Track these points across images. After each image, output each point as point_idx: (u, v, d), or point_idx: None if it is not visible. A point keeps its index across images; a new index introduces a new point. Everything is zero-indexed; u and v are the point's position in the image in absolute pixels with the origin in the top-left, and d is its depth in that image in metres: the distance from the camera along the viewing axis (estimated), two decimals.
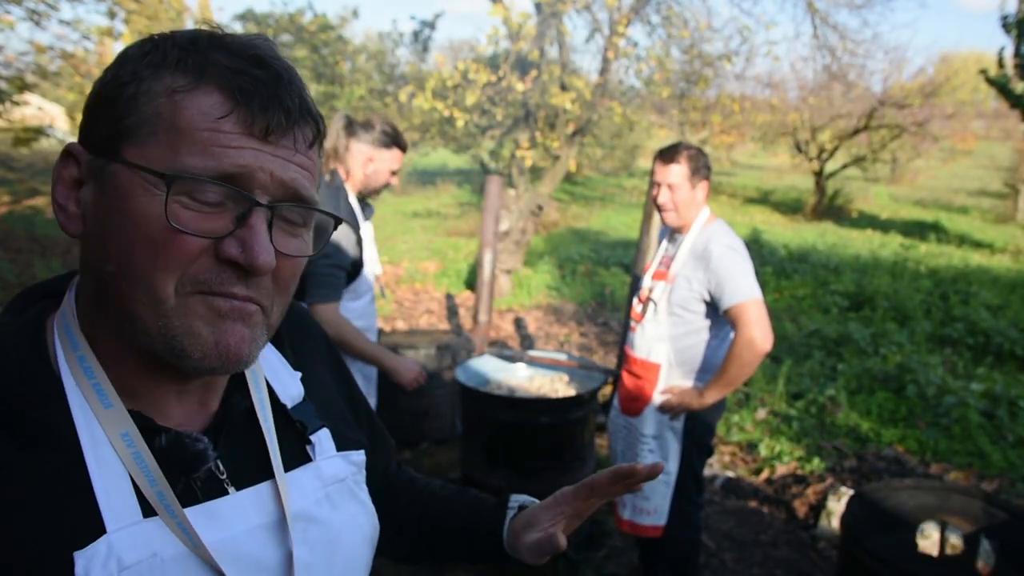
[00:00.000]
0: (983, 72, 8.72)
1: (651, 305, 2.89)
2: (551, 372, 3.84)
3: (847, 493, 3.89)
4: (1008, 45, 8.43)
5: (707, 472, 4.59)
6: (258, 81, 0.68)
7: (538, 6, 8.49)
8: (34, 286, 0.80)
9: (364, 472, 0.93)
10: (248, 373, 0.83)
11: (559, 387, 3.68)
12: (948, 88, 18.73)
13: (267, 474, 0.79)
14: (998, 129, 25.94)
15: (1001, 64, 8.44)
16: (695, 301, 2.78)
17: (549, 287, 9.10)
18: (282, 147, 0.70)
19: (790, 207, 19.61)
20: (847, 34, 10.29)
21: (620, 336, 5.99)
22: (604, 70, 8.86)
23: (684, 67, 9.92)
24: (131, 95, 0.67)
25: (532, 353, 3.96)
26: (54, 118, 12.44)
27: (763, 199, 21.32)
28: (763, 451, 4.76)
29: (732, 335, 2.72)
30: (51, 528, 0.64)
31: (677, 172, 2.77)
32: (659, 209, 2.87)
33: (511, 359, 3.89)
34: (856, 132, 17.99)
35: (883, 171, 25.48)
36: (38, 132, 7.96)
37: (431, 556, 1.14)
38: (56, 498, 0.65)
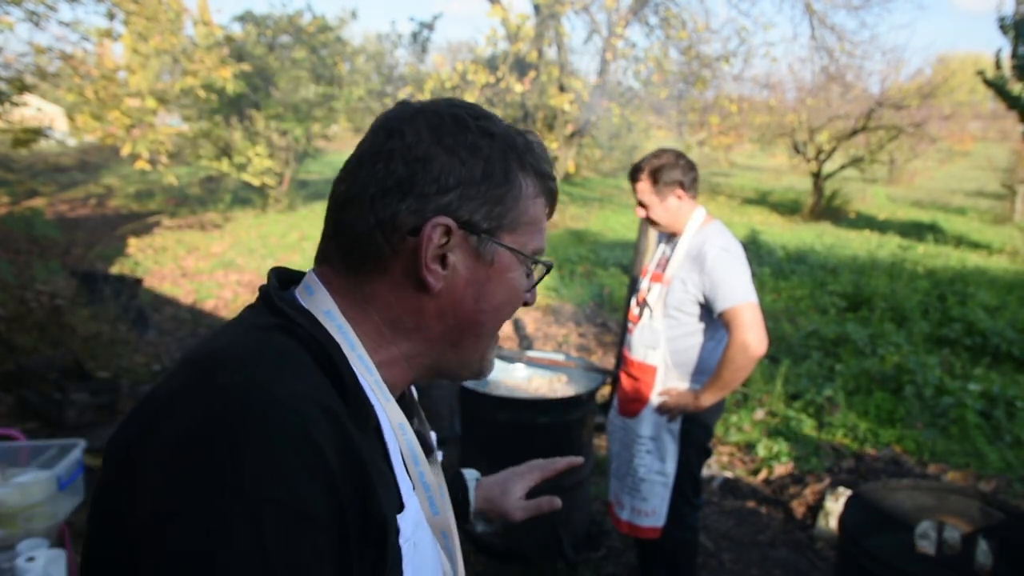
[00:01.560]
0: (980, 73, 8.73)
1: (647, 307, 2.90)
2: (549, 373, 3.84)
3: (845, 493, 3.90)
4: (1005, 46, 8.44)
5: (705, 473, 4.60)
6: (555, 185, 0.96)
7: (536, 7, 8.50)
8: (265, 295, 0.90)
9: None
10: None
11: (557, 388, 3.68)
12: (946, 89, 18.77)
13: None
14: (995, 130, 25.99)
15: (998, 65, 8.45)
16: (690, 303, 2.78)
17: (547, 288, 9.11)
18: None
19: (788, 208, 19.63)
20: (845, 35, 10.33)
21: (618, 337, 5.99)
22: (602, 71, 8.87)
23: (682, 68, 9.94)
24: (515, 196, 0.90)
25: (530, 354, 3.97)
26: (53, 119, 12.44)
27: (761, 200, 21.34)
28: (761, 451, 4.77)
29: (727, 337, 2.73)
30: (388, 498, 0.80)
31: (642, 189, 2.81)
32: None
33: (510, 360, 3.90)
34: (854, 133, 18.01)
35: (881, 172, 25.54)
36: (37, 133, 7.97)
37: None
38: (384, 473, 0.82)
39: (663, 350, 2.85)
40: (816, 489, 4.22)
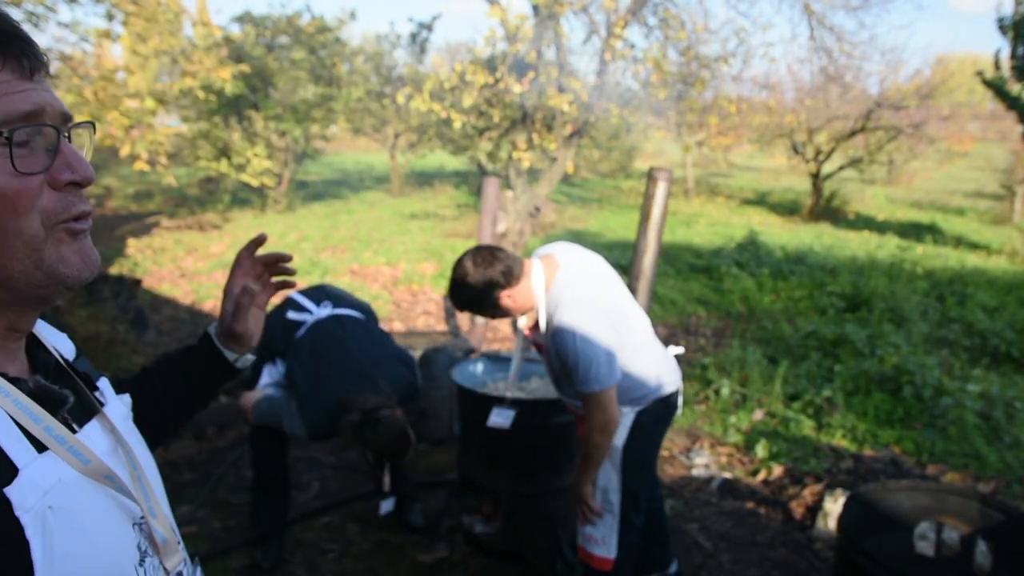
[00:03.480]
0: (979, 74, 8.74)
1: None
2: (546, 373, 3.84)
3: (844, 494, 3.90)
4: (1004, 47, 8.45)
5: (703, 473, 4.60)
6: (10, 32, 0.79)
7: (535, 8, 8.49)
8: None
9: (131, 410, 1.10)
10: (40, 334, 0.96)
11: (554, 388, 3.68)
12: (944, 90, 18.76)
13: (89, 415, 0.93)
14: (994, 131, 26.03)
15: (997, 66, 8.46)
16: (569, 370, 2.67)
17: None
18: (42, 81, 0.82)
19: (787, 208, 19.63)
20: (844, 36, 10.30)
21: None
22: (601, 72, 8.87)
23: (681, 69, 9.93)
24: None
25: (530, 354, 3.96)
26: None
27: (760, 200, 21.34)
28: (760, 452, 4.76)
29: (633, 354, 2.70)
30: None
31: (472, 313, 2.77)
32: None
33: (508, 360, 3.89)
34: (853, 134, 18.01)
35: (880, 173, 25.51)
36: None
37: (184, 407, 1.35)
38: None
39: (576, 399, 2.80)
40: (815, 490, 4.21)
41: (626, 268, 9.79)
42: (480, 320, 5.95)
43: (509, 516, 3.53)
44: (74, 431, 0.87)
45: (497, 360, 3.94)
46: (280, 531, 3.59)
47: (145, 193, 15.68)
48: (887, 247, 12.98)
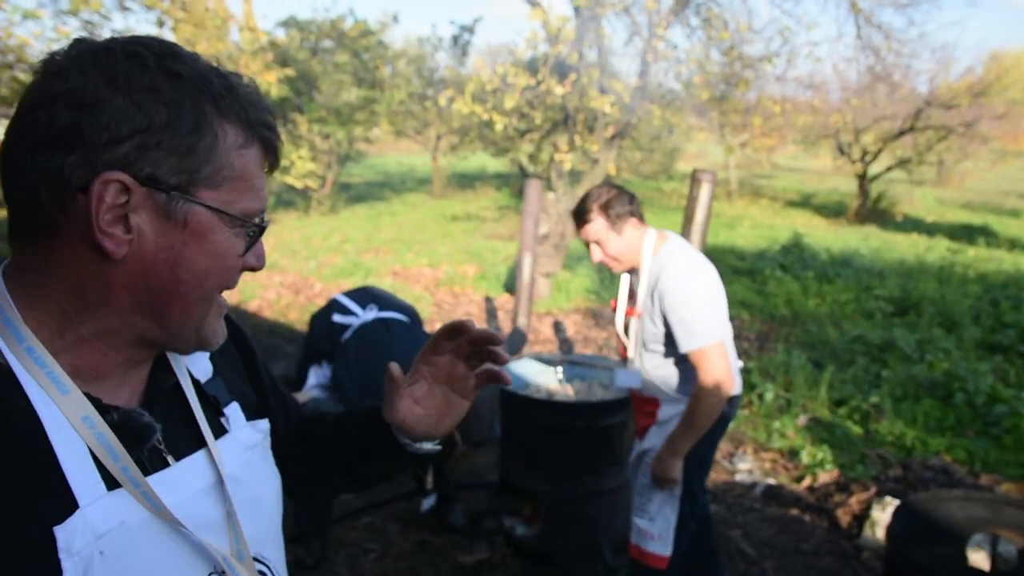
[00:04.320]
0: None
1: (631, 341, 2.84)
2: (590, 376, 3.82)
3: (893, 503, 3.82)
4: None
5: (747, 479, 4.53)
6: (273, 134, 0.85)
7: (577, 9, 8.48)
8: None
9: (269, 439, 1.03)
10: (169, 353, 0.92)
11: (598, 391, 3.66)
12: (999, 87, 18.28)
13: (197, 444, 0.90)
14: None
15: None
16: (663, 335, 2.69)
17: (588, 290, 9.07)
18: None
19: (832, 210, 19.31)
20: (892, 34, 10.11)
21: None
22: (643, 73, 8.82)
23: (724, 69, 9.83)
24: (208, 145, 0.78)
25: (571, 356, 3.95)
26: None
27: (804, 202, 21.02)
28: (805, 458, 4.68)
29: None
30: (29, 509, 0.71)
31: (595, 228, 2.69)
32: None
33: (550, 362, 3.89)
34: (901, 134, 17.65)
35: (929, 173, 24.94)
36: None
37: (349, 474, 1.22)
38: (30, 481, 0.72)
39: (651, 381, 2.81)
40: (862, 498, 4.13)
41: None
42: (522, 322, 5.95)
43: (550, 519, 3.52)
44: (166, 463, 0.84)
45: (540, 362, 3.94)
46: (323, 530, 3.63)
47: None
48: (937, 250, 12.69)
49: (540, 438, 3.41)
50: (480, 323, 6.01)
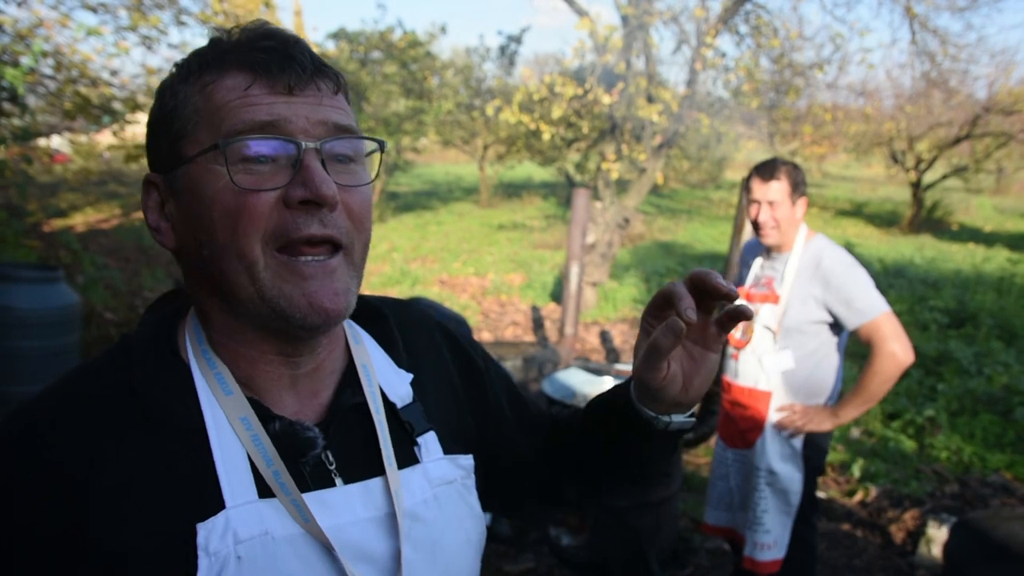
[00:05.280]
0: None
1: (759, 330, 2.78)
2: None
3: (949, 520, 3.72)
4: None
5: None
6: (270, 50, 0.77)
7: (624, 18, 8.47)
8: (174, 289, 0.91)
9: (473, 476, 0.94)
10: (360, 370, 0.88)
11: None
12: None
13: (376, 470, 0.83)
14: None
15: None
16: (812, 322, 2.68)
17: (635, 300, 9.03)
18: (308, 96, 0.77)
19: (885, 220, 18.91)
20: (948, 38, 9.89)
21: None
22: (691, 81, 8.77)
23: (774, 77, 9.72)
24: (172, 107, 0.78)
25: (619, 366, 3.95)
26: None
27: (856, 211, 20.62)
28: (856, 472, 4.59)
29: (843, 353, 2.66)
30: (176, 502, 0.73)
31: (777, 189, 2.69)
32: (757, 227, 2.77)
33: (598, 372, 3.88)
34: (957, 141, 17.21)
35: (987, 181, 24.31)
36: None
37: (596, 468, 1.06)
38: (182, 476, 0.74)
39: (778, 374, 2.74)
40: (916, 514, 4.03)
41: None
42: (569, 331, 5.95)
43: (596, 529, 3.51)
44: (332, 483, 0.80)
45: (587, 371, 3.94)
46: None
47: None
48: (995, 260, 12.34)
49: None
50: (527, 332, 6.01)
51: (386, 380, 0.91)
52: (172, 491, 0.73)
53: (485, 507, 0.96)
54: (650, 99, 8.32)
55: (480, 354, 1.08)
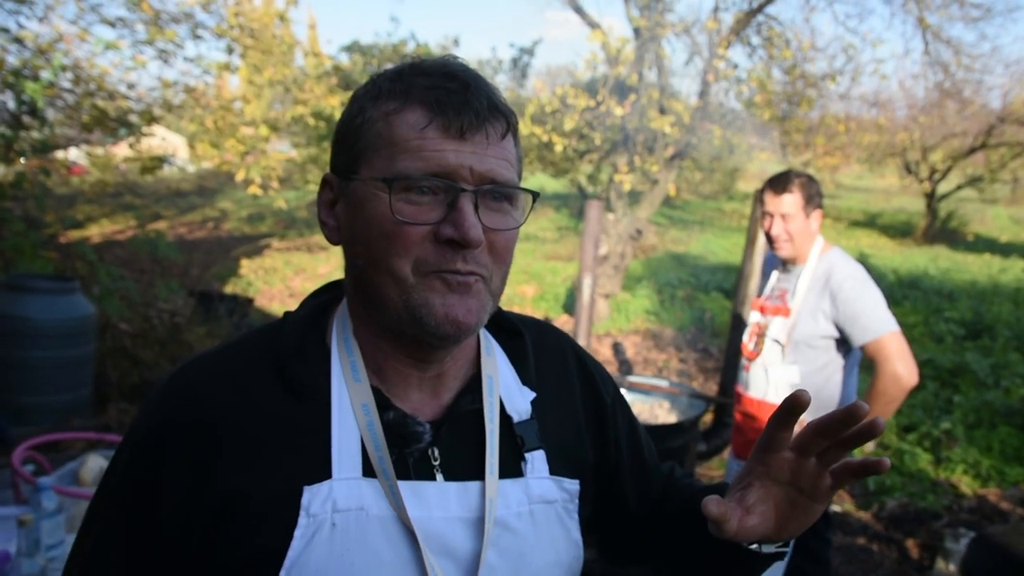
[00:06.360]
0: None
1: (768, 343, 2.77)
2: (651, 398, 3.80)
3: (967, 535, 3.68)
4: None
5: None
6: (450, 92, 0.84)
7: (636, 30, 8.49)
8: (335, 281, 1.01)
9: (577, 501, 0.96)
10: (485, 380, 0.95)
11: (659, 413, 3.64)
12: None
13: (478, 474, 0.89)
14: None
15: None
16: (820, 337, 2.67)
17: (648, 312, 9.01)
18: (477, 142, 0.84)
19: (899, 230, 18.81)
20: (962, 49, 9.86)
21: (720, 363, 5.86)
22: (703, 93, 8.77)
23: (786, 88, 9.71)
24: (358, 125, 0.87)
25: (631, 379, 3.94)
26: (176, 148, 13.22)
27: (870, 222, 20.53)
28: (871, 485, 4.55)
29: (856, 369, 2.63)
30: (292, 463, 0.83)
31: (790, 201, 2.68)
32: (771, 240, 2.76)
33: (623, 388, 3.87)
34: (972, 151, 17.12)
35: (1002, 192, 24.15)
36: (162, 161, 8.50)
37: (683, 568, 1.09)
38: (302, 442, 0.85)
39: (789, 387, 2.72)
40: (933, 528, 3.99)
41: (729, 292, 9.57)
42: (582, 343, 5.94)
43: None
44: (433, 478, 0.87)
45: None
46: None
47: (257, 216, 16.43)
48: (1012, 270, 12.25)
49: None
50: None
51: (508, 393, 0.97)
52: (291, 453, 0.84)
53: (588, 540, 0.98)
54: (662, 111, 8.32)
55: (611, 391, 1.12)
